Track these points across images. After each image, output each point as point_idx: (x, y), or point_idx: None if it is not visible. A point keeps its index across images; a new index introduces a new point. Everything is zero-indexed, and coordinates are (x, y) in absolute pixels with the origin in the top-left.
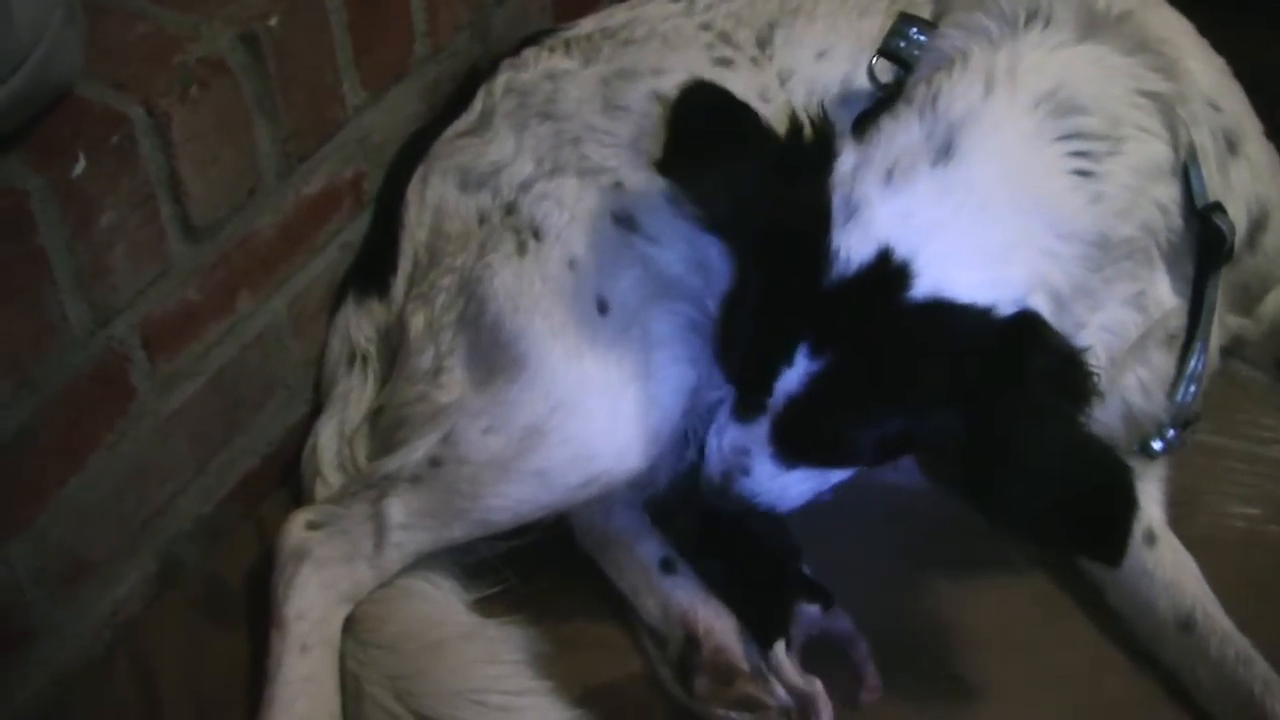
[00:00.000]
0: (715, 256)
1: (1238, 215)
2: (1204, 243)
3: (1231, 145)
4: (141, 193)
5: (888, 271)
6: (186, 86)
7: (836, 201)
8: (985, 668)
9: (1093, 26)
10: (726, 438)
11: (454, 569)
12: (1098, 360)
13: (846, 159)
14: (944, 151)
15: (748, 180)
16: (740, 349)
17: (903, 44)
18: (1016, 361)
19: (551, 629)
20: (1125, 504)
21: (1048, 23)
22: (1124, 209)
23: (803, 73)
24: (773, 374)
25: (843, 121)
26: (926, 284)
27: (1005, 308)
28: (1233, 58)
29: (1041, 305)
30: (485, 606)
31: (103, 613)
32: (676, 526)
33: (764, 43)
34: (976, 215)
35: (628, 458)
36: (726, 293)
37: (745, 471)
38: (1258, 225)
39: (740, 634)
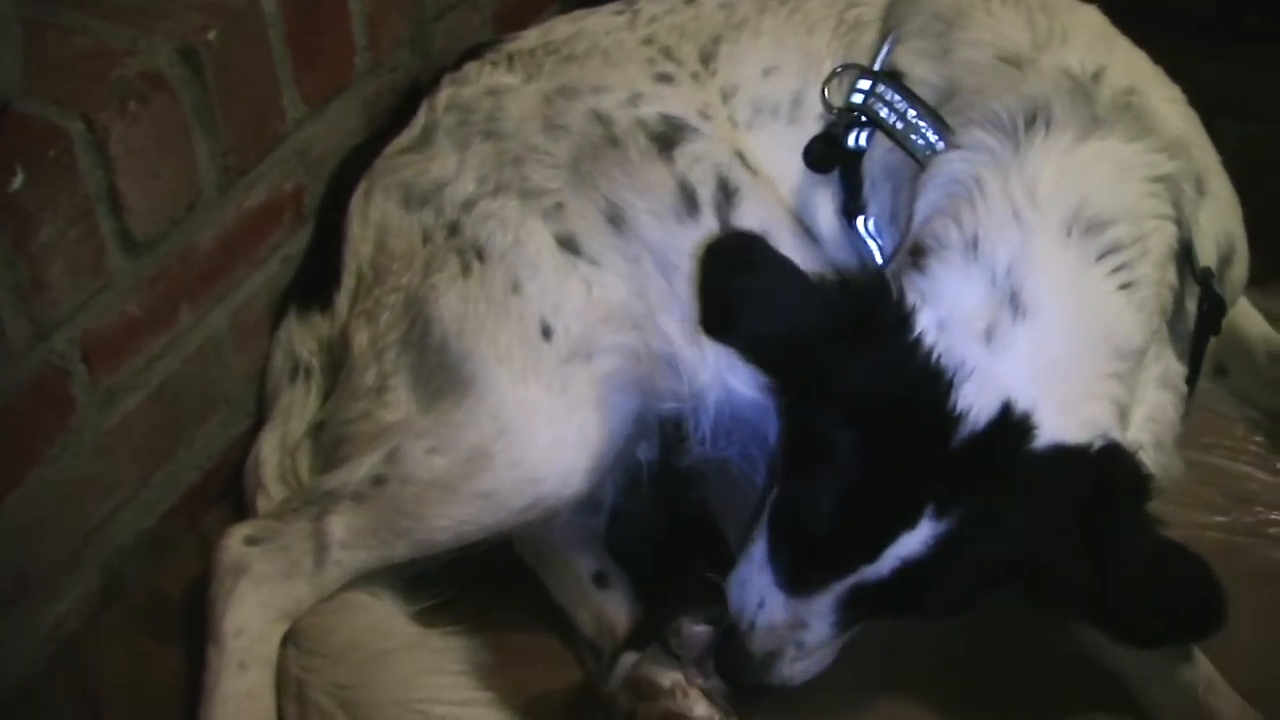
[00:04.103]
0: (657, 283)
1: (1209, 253)
2: (1205, 310)
3: (1200, 186)
4: (81, 207)
5: (1013, 425)
6: (125, 101)
7: (948, 365)
8: (925, 675)
9: (1090, 115)
10: (780, 615)
11: (395, 581)
12: (1148, 456)
13: (926, 318)
14: (1015, 304)
15: (820, 350)
16: (826, 521)
17: (883, 110)
18: (1113, 490)
19: (493, 640)
20: (1216, 594)
21: (1049, 125)
22: (1155, 306)
23: (748, 89)
24: (885, 541)
25: (789, 141)
26: (1047, 432)
27: (1096, 441)
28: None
29: (1115, 427)
30: (427, 618)
31: (44, 628)
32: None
33: (708, 58)
34: (1069, 362)
35: (572, 482)
36: (786, 461)
37: (799, 645)
38: (1225, 260)
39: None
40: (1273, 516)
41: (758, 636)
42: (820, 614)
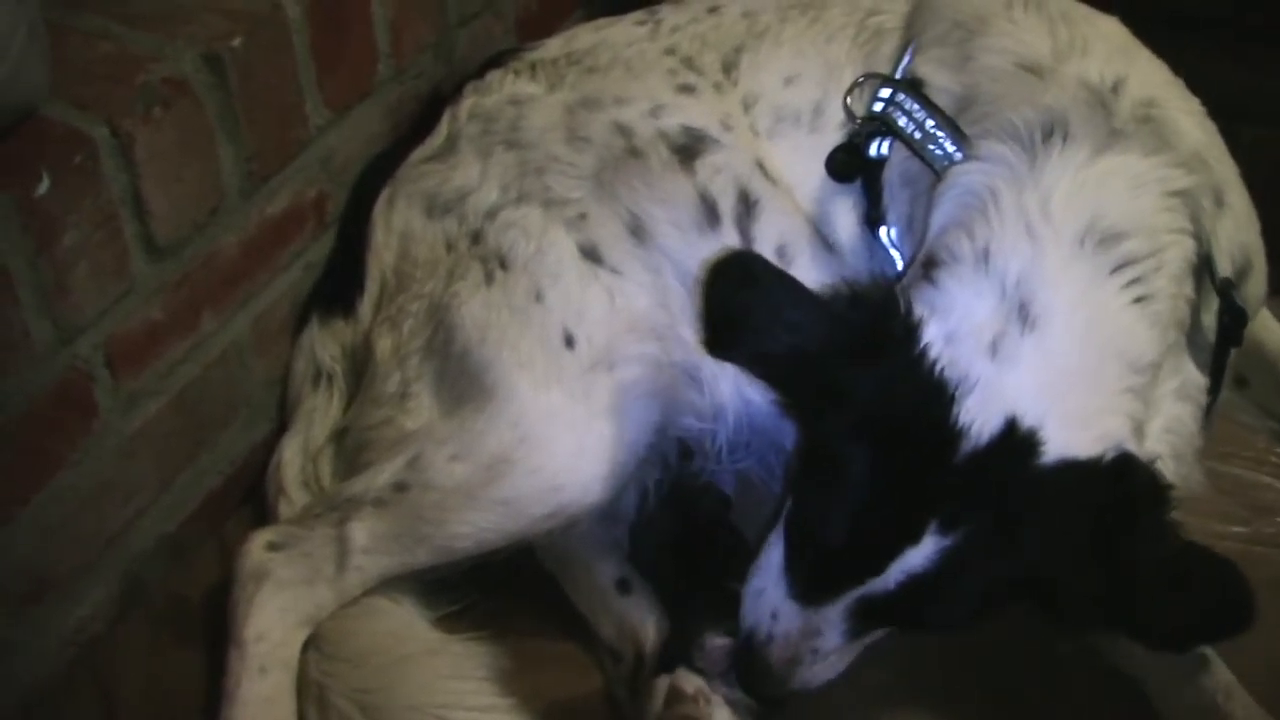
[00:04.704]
0: (679, 294)
1: (1224, 267)
2: (1226, 321)
3: (1218, 200)
4: (105, 212)
5: (1019, 440)
6: (149, 106)
7: (954, 378)
8: (939, 680)
9: (1108, 128)
10: (795, 624)
11: (416, 586)
12: (1167, 467)
13: (933, 331)
14: (1024, 316)
15: (830, 364)
16: (836, 533)
17: (902, 119)
18: (1129, 502)
19: (514, 646)
20: (1243, 592)
21: (1065, 138)
22: (1171, 319)
23: (769, 99)
24: (890, 555)
25: (810, 151)
26: (1055, 448)
27: (1108, 453)
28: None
29: (1130, 439)
30: (448, 623)
31: (65, 631)
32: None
33: (729, 67)
34: (1080, 375)
35: (592, 491)
36: (799, 474)
37: (815, 652)
38: (1241, 274)
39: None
40: None
41: (774, 648)
42: (832, 623)
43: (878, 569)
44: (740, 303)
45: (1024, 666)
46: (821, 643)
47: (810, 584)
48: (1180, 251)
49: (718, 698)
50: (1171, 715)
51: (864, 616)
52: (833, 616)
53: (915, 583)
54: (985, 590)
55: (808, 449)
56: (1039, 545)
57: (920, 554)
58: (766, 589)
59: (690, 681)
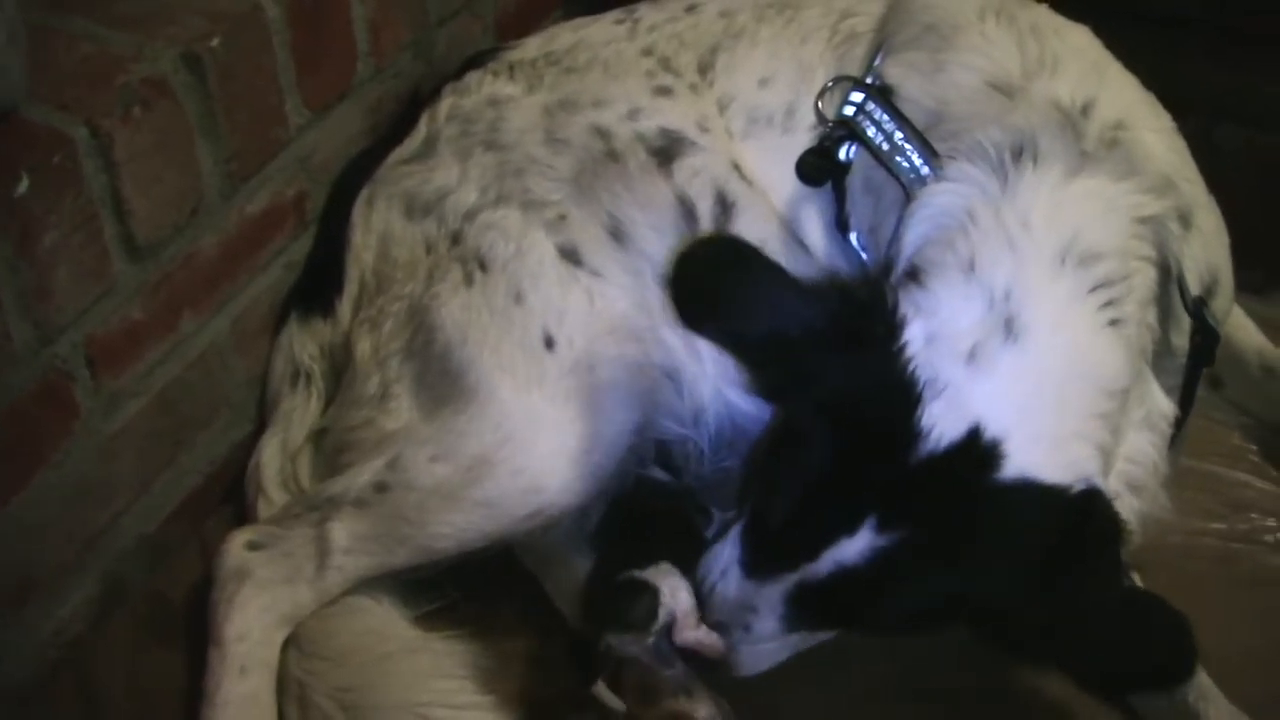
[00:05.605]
0: (659, 297)
1: (1193, 287)
2: (1199, 341)
3: (1185, 221)
4: (85, 212)
5: (978, 451)
6: (129, 107)
7: (923, 379)
8: (936, 680)
9: (1079, 150)
10: (732, 590)
11: (396, 585)
12: (1123, 503)
13: (915, 330)
14: (1009, 328)
15: (808, 348)
16: (783, 510)
17: (870, 129)
18: (1084, 537)
19: (494, 644)
20: (1188, 652)
21: (1036, 159)
22: (1138, 345)
23: (743, 100)
24: (825, 542)
25: (783, 152)
26: (1016, 465)
27: (1076, 485)
28: (1158, 77)
29: (1098, 473)
30: (429, 622)
31: (47, 632)
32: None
33: (705, 68)
34: (1054, 396)
35: (572, 492)
36: (764, 440)
37: (745, 628)
38: (1208, 293)
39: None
40: (1269, 523)
41: (713, 603)
42: (769, 603)
43: (812, 554)
44: (726, 280)
45: (1004, 665)
46: (755, 621)
47: (757, 557)
48: (1145, 279)
49: (698, 688)
50: (1148, 717)
51: (799, 604)
52: (771, 597)
53: (846, 575)
54: (917, 598)
55: (775, 425)
56: (983, 562)
57: (854, 546)
58: (724, 549)
59: (667, 676)
